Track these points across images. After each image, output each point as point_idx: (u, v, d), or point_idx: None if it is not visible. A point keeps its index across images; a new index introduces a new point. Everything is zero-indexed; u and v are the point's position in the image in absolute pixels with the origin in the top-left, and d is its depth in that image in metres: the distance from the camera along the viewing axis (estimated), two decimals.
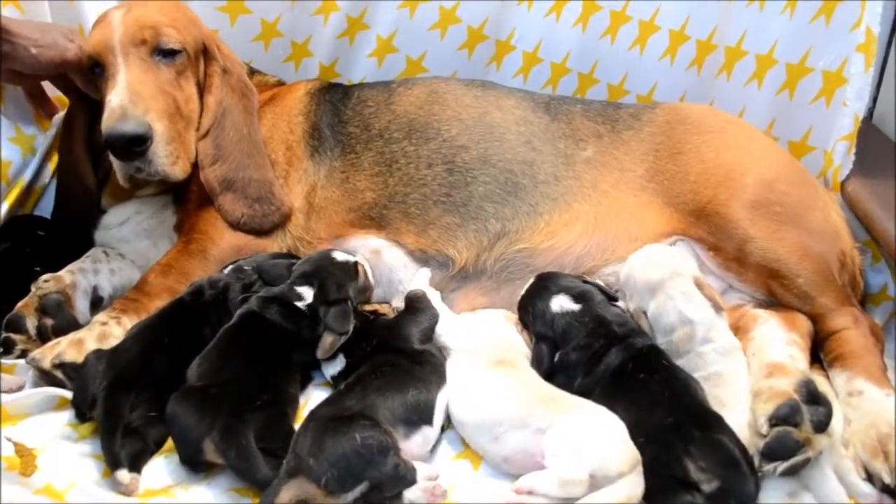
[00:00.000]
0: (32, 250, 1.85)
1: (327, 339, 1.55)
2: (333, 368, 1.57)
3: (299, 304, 1.57)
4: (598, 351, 1.47)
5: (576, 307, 1.56)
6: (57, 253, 1.85)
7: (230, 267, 1.71)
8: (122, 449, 1.29)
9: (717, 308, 1.56)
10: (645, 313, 1.58)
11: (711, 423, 1.29)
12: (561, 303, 1.57)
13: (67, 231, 1.98)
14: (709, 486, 1.20)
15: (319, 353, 1.56)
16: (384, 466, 1.20)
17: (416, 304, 1.67)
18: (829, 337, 1.65)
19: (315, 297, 1.58)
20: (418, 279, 1.79)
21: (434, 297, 1.72)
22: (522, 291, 1.67)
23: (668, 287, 1.57)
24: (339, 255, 1.72)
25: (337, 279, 1.63)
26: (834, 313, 1.66)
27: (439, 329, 1.62)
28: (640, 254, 1.69)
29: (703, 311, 1.54)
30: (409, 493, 1.23)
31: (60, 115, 2.05)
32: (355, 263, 1.72)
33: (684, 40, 2.23)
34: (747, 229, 1.72)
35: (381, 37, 2.30)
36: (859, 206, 1.89)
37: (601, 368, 1.45)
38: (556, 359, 1.52)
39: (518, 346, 1.59)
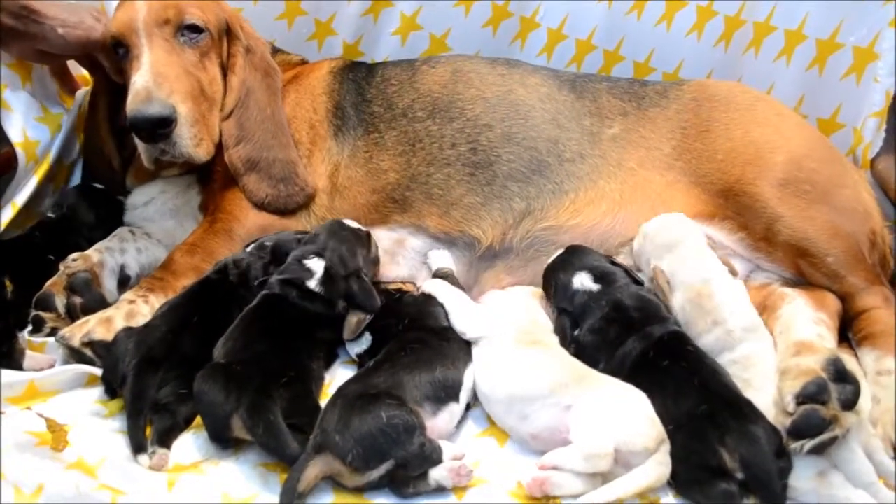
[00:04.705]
0: (43, 235, 1.85)
1: (353, 319, 1.56)
2: (359, 347, 1.57)
3: (310, 283, 1.55)
4: (613, 339, 1.47)
5: (595, 287, 1.55)
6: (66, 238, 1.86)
7: (252, 245, 1.72)
8: (153, 426, 1.33)
9: (731, 272, 1.59)
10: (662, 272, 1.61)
11: (747, 412, 1.27)
12: (582, 280, 1.57)
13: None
14: (742, 473, 1.20)
15: (346, 334, 1.56)
16: (410, 445, 1.21)
17: None
18: (858, 316, 1.63)
19: (326, 269, 1.56)
20: (440, 259, 1.78)
21: (449, 287, 1.66)
22: (549, 261, 1.67)
23: (682, 247, 1.61)
24: (350, 222, 1.71)
25: (348, 246, 1.62)
26: (864, 292, 1.64)
27: (454, 320, 1.55)
28: (653, 220, 1.72)
29: (719, 266, 1.57)
30: (435, 473, 1.24)
31: (83, 91, 2.06)
32: (367, 232, 1.72)
33: (712, 16, 2.20)
34: (776, 208, 1.70)
35: (405, 14, 2.29)
36: (889, 183, 1.87)
37: (619, 355, 1.45)
38: (575, 334, 1.52)
39: (545, 323, 1.59)
